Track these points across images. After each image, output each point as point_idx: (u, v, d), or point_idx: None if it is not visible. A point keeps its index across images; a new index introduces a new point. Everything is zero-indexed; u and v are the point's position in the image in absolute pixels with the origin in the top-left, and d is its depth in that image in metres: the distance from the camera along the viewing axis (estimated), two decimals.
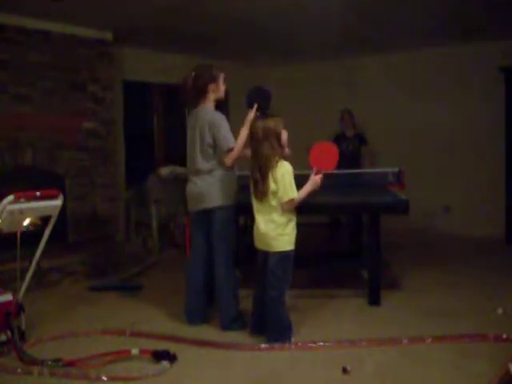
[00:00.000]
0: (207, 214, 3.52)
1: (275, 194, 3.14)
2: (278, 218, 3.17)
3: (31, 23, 4.93)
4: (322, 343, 3.22)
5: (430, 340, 3.23)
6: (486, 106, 6.47)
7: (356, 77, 7.42)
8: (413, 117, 7.03)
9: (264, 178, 3.13)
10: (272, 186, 3.13)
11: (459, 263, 5.28)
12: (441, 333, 3.33)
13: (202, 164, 3.47)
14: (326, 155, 3.34)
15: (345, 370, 2.82)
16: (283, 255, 3.20)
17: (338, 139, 6.39)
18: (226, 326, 3.51)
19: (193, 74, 3.49)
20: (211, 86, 3.51)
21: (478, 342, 3.21)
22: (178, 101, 3.57)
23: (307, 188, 3.23)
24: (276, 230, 3.18)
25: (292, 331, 3.29)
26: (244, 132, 3.39)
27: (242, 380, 2.83)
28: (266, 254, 3.24)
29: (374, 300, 3.96)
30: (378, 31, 5.85)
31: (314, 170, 3.29)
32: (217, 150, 3.44)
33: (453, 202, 6.82)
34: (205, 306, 3.68)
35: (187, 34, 5.77)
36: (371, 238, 3.99)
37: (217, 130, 3.41)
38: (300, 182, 3.25)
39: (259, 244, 3.29)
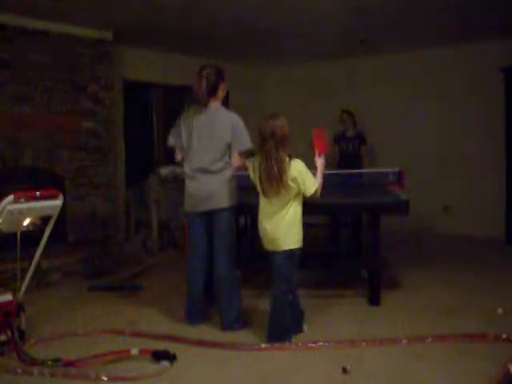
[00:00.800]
0: (210, 214, 3.51)
1: (295, 190, 3.16)
2: (285, 217, 3.18)
3: (31, 23, 4.93)
4: (322, 343, 3.22)
5: (430, 340, 3.23)
6: (486, 106, 6.47)
7: (356, 77, 7.42)
8: (413, 117, 7.03)
9: (275, 178, 3.12)
10: (291, 184, 3.14)
11: (459, 263, 5.28)
12: (441, 332, 3.33)
13: (215, 163, 3.45)
14: (323, 140, 3.44)
15: (345, 370, 2.82)
16: (290, 254, 3.21)
17: (339, 139, 6.39)
18: (227, 327, 3.51)
19: (205, 72, 3.48)
20: (221, 85, 3.53)
21: (478, 341, 3.21)
22: (194, 99, 3.58)
23: (320, 170, 3.29)
24: (283, 229, 3.19)
25: (291, 334, 3.29)
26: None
27: (242, 380, 2.83)
28: (275, 253, 3.25)
29: (374, 300, 3.96)
30: (378, 31, 5.85)
31: (316, 153, 3.35)
32: (230, 149, 3.47)
33: (453, 202, 6.82)
34: (205, 307, 3.68)
35: (187, 34, 5.78)
36: (371, 238, 3.99)
37: (240, 131, 3.45)
38: None
39: (267, 244, 3.29)
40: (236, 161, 3.48)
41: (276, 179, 3.12)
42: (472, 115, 6.60)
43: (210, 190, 3.46)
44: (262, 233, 3.29)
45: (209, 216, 3.52)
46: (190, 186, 3.55)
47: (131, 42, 6.06)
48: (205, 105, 3.52)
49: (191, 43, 6.24)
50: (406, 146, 7.01)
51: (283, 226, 3.18)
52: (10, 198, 2.98)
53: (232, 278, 3.54)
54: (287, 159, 3.14)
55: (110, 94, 5.69)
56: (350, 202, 4.17)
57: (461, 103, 6.67)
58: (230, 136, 3.44)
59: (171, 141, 3.67)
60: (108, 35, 5.60)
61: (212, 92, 3.49)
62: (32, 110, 4.98)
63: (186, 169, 3.58)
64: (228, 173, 3.49)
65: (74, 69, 5.33)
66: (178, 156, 3.65)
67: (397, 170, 5.15)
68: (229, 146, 3.46)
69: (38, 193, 3.16)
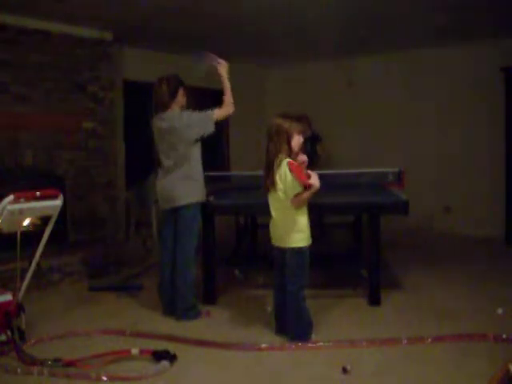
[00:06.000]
0: (175, 211, 3.71)
1: (283, 191, 3.16)
2: (289, 214, 3.20)
3: (31, 23, 4.93)
4: (321, 343, 3.22)
5: (429, 340, 3.23)
6: (486, 106, 6.47)
7: (356, 77, 7.42)
8: (412, 117, 7.03)
9: (268, 173, 3.19)
10: (279, 183, 3.16)
11: (459, 263, 5.28)
12: (441, 332, 3.33)
13: (175, 163, 3.66)
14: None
15: (345, 370, 2.82)
16: (297, 251, 3.22)
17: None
18: (179, 317, 3.70)
19: (165, 77, 3.73)
20: (181, 90, 3.73)
21: (478, 341, 3.21)
22: (153, 103, 3.80)
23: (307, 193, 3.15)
24: (289, 226, 3.21)
25: (313, 327, 3.31)
26: (226, 81, 3.74)
27: (242, 380, 2.83)
28: (282, 250, 3.27)
29: (374, 300, 3.96)
30: (378, 31, 5.85)
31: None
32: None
33: (453, 202, 6.82)
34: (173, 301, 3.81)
35: (187, 34, 5.78)
36: (371, 238, 3.99)
37: (194, 117, 3.64)
38: None
39: (274, 239, 3.33)
40: (226, 111, 3.68)
41: (267, 175, 3.20)
42: (472, 115, 6.60)
43: (169, 188, 3.69)
44: (271, 228, 3.35)
45: (174, 213, 3.71)
46: (157, 185, 3.80)
47: (131, 41, 6.06)
48: (165, 109, 3.70)
49: (191, 43, 6.22)
50: (405, 146, 7.01)
51: (289, 224, 3.20)
52: (10, 197, 2.98)
53: (185, 275, 3.69)
54: (279, 158, 3.15)
55: (109, 94, 5.68)
56: (350, 202, 4.17)
57: (461, 103, 6.67)
58: (189, 134, 3.61)
59: None
60: (108, 35, 5.60)
61: (171, 96, 3.68)
62: (32, 110, 4.97)
63: (158, 170, 3.82)
64: (189, 171, 3.66)
65: (74, 69, 5.33)
66: None
67: (397, 169, 5.16)
68: (189, 144, 3.63)
69: (38, 193, 3.16)
